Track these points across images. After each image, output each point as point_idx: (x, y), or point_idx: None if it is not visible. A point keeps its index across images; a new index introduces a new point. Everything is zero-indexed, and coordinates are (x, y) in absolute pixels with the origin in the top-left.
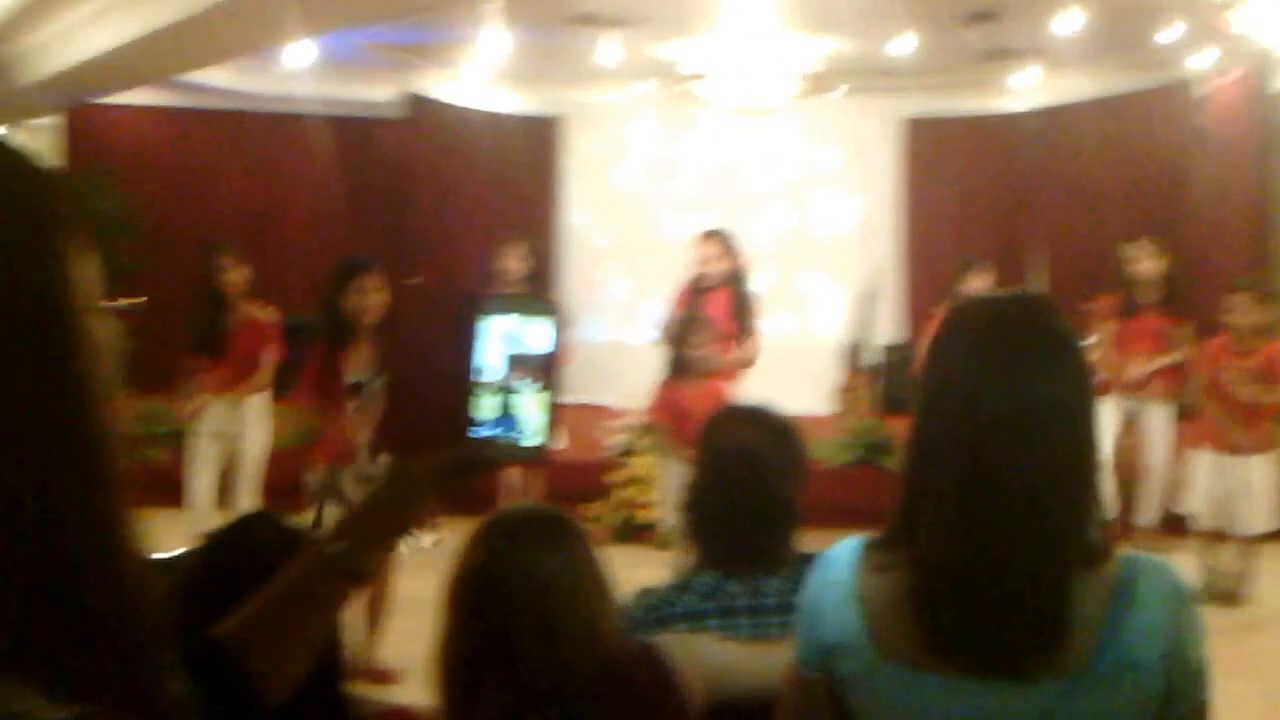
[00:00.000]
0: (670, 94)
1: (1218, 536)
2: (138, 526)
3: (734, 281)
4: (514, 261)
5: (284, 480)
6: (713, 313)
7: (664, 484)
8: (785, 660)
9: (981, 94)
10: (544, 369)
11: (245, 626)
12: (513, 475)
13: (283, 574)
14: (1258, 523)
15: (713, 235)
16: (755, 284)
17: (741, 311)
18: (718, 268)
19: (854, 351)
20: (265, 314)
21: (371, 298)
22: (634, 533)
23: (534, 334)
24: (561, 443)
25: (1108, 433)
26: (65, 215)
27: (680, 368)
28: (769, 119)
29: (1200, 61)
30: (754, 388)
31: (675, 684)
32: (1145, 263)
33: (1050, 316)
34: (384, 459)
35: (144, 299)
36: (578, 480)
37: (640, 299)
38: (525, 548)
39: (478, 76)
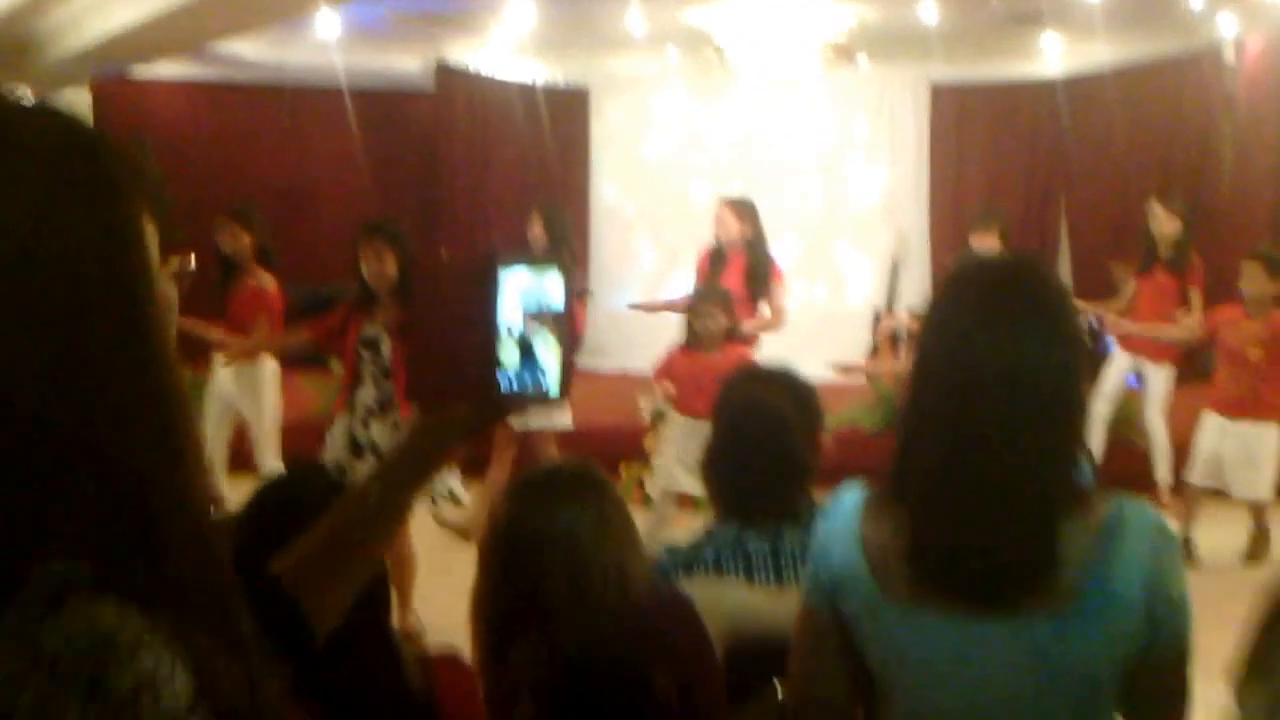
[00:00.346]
0: (698, 62)
1: (1209, 495)
2: (204, 479)
3: (750, 248)
4: (538, 229)
5: (312, 448)
6: (729, 279)
7: (660, 448)
8: (795, 603)
9: (1008, 60)
10: (556, 321)
11: (295, 565)
12: (549, 447)
13: (326, 516)
14: (1261, 489)
15: (729, 202)
16: (775, 251)
17: (756, 278)
18: (734, 234)
19: (881, 319)
20: (267, 282)
21: (374, 264)
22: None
23: (548, 289)
24: (568, 403)
25: (1110, 386)
26: (137, 183)
27: (694, 338)
28: (796, 87)
29: (1229, 28)
30: (783, 354)
31: (700, 629)
32: (1159, 222)
33: (1042, 279)
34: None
35: (193, 260)
36: (614, 445)
37: (670, 268)
38: (552, 505)
39: (505, 46)
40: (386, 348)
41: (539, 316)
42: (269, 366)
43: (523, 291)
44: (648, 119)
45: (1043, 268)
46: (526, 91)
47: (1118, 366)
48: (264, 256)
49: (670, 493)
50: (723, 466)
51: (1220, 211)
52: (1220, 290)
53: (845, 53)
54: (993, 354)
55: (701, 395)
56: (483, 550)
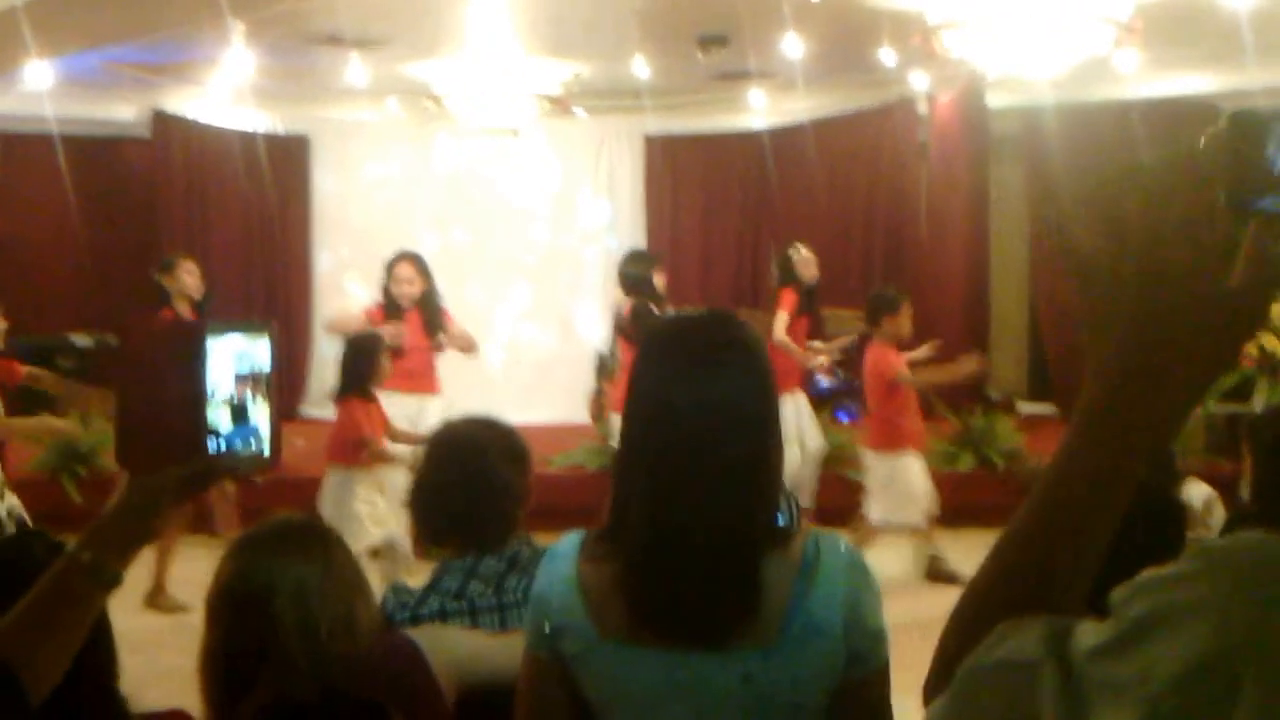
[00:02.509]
0: (418, 112)
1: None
2: None
3: (424, 303)
4: (190, 278)
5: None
6: (410, 331)
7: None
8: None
9: (718, 113)
10: (265, 383)
11: (7, 631)
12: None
13: (40, 582)
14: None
15: (406, 258)
16: (443, 301)
17: (433, 326)
18: (410, 290)
19: (604, 361)
20: None
21: None
22: None
23: (257, 351)
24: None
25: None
26: None
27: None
28: (516, 138)
29: (921, 81)
30: (514, 396)
31: (430, 674)
32: (807, 268)
33: (733, 328)
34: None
35: None
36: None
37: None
38: (278, 555)
39: (224, 95)
40: None
41: (251, 379)
42: None
43: (235, 354)
44: (370, 167)
45: (733, 320)
46: (246, 139)
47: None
48: None
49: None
50: (421, 497)
51: (919, 251)
52: (922, 327)
53: (562, 105)
54: (690, 401)
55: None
56: (210, 605)
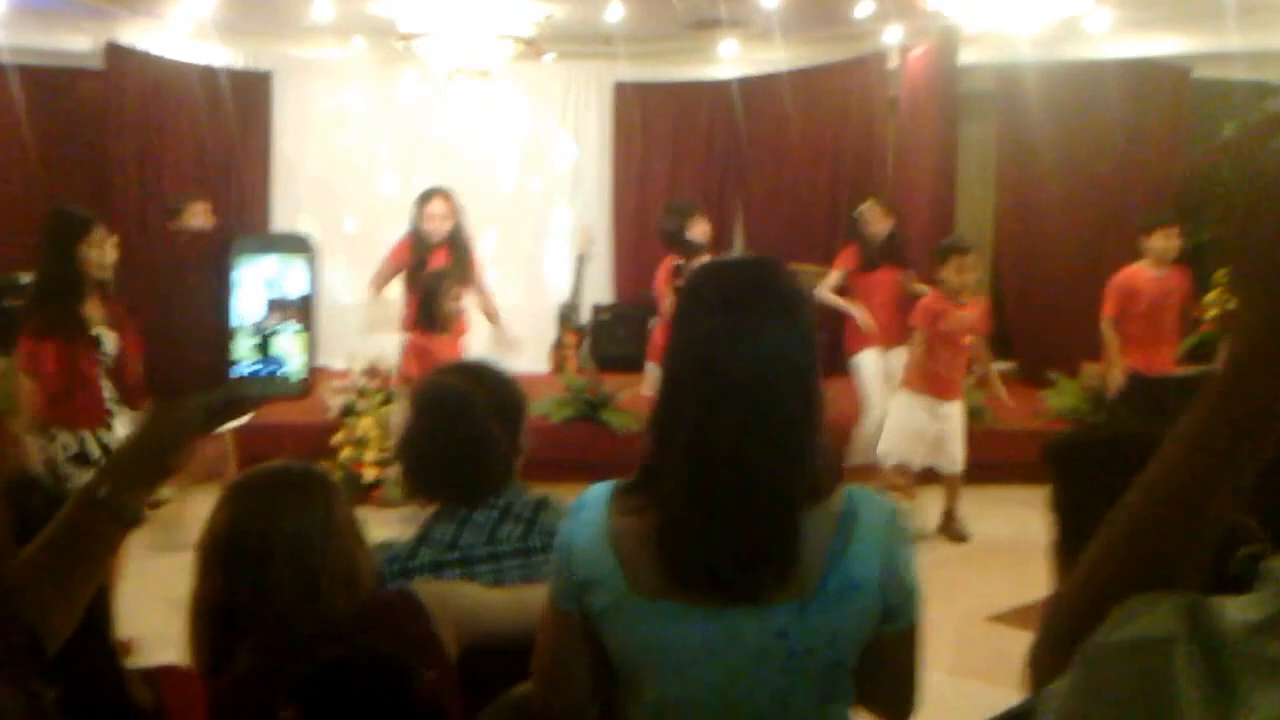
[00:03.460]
0: (384, 51)
1: (926, 476)
2: None
3: (454, 240)
4: (199, 218)
5: None
6: (434, 266)
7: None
8: (530, 601)
9: (689, 62)
10: (302, 310)
11: (19, 575)
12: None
13: (53, 523)
14: (960, 461)
15: (438, 193)
16: (476, 243)
17: (463, 264)
18: (442, 226)
19: (567, 311)
20: None
21: (103, 253)
22: (360, 492)
23: (292, 276)
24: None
25: (877, 380)
26: None
27: (431, 320)
28: (485, 81)
29: (893, 35)
30: (477, 347)
31: (433, 629)
32: (876, 223)
33: (781, 279)
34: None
35: None
36: (300, 441)
37: (354, 260)
38: (277, 504)
39: (183, 29)
40: (111, 343)
41: (280, 305)
42: None
43: (264, 279)
44: (332, 106)
45: (777, 268)
46: (205, 74)
47: (871, 364)
48: None
49: None
50: (412, 450)
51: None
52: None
53: (533, 48)
54: (735, 353)
55: None
56: (202, 552)
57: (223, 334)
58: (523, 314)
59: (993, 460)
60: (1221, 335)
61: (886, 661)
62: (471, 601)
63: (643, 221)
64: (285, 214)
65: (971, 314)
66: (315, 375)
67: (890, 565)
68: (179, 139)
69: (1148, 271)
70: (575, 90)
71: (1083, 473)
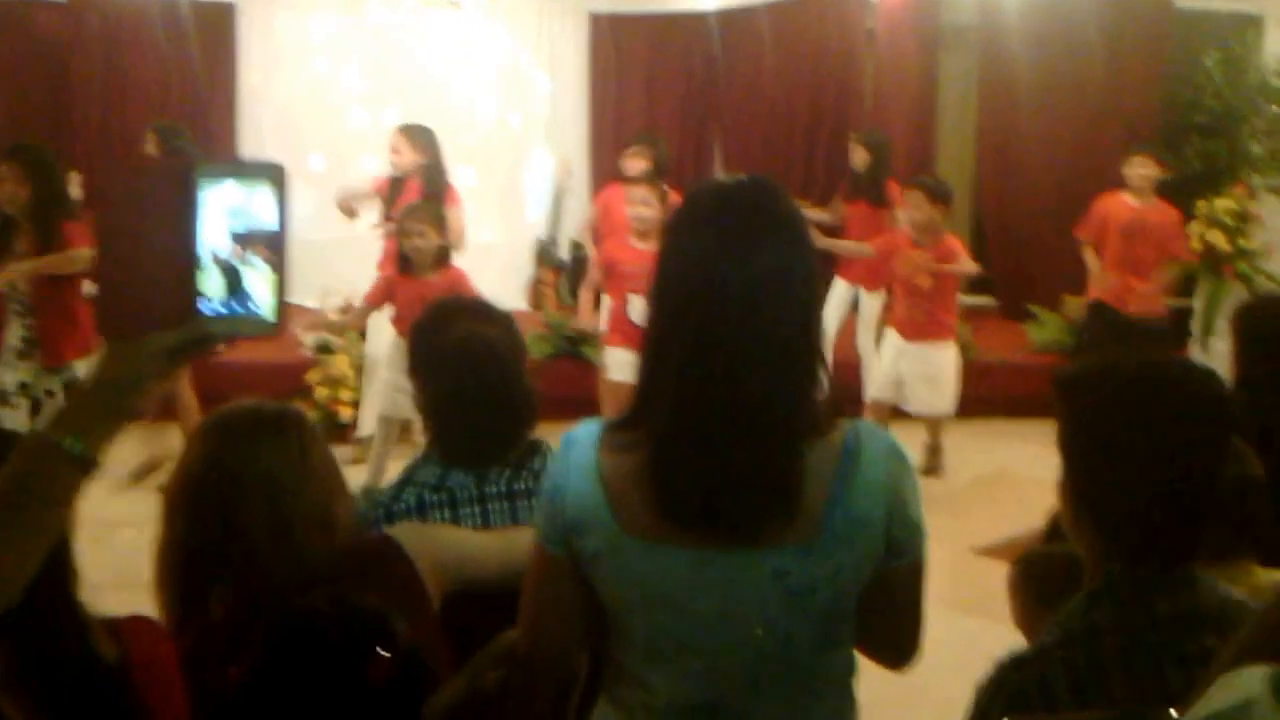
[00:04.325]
0: None
1: (892, 413)
2: None
3: (426, 174)
4: (151, 149)
5: None
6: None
7: (371, 385)
8: (517, 544)
9: None
10: (270, 243)
11: None
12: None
13: (5, 469)
14: (941, 405)
15: (403, 129)
16: (452, 177)
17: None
18: (408, 160)
19: (545, 247)
20: None
21: (9, 188)
22: (335, 432)
23: (259, 206)
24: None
25: (835, 313)
26: None
27: (405, 261)
28: (457, 10)
29: None
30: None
31: (415, 574)
32: (855, 155)
33: (777, 198)
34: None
35: None
36: (275, 379)
37: (324, 196)
38: (250, 443)
39: None
40: (25, 282)
41: (248, 238)
42: None
43: (229, 209)
44: (298, 38)
45: (777, 189)
46: (167, 5)
47: (839, 294)
48: None
49: (393, 419)
50: (453, 410)
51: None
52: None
53: None
54: (734, 273)
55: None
56: (171, 494)
57: (185, 269)
58: (500, 250)
59: (976, 394)
60: (1201, 269)
61: (890, 599)
62: (456, 545)
63: (619, 153)
64: (252, 149)
65: (926, 255)
66: (287, 311)
67: (895, 498)
68: (143, 72)
69: (1127, 200)
70: (549, 22)
71: (1097, 405)
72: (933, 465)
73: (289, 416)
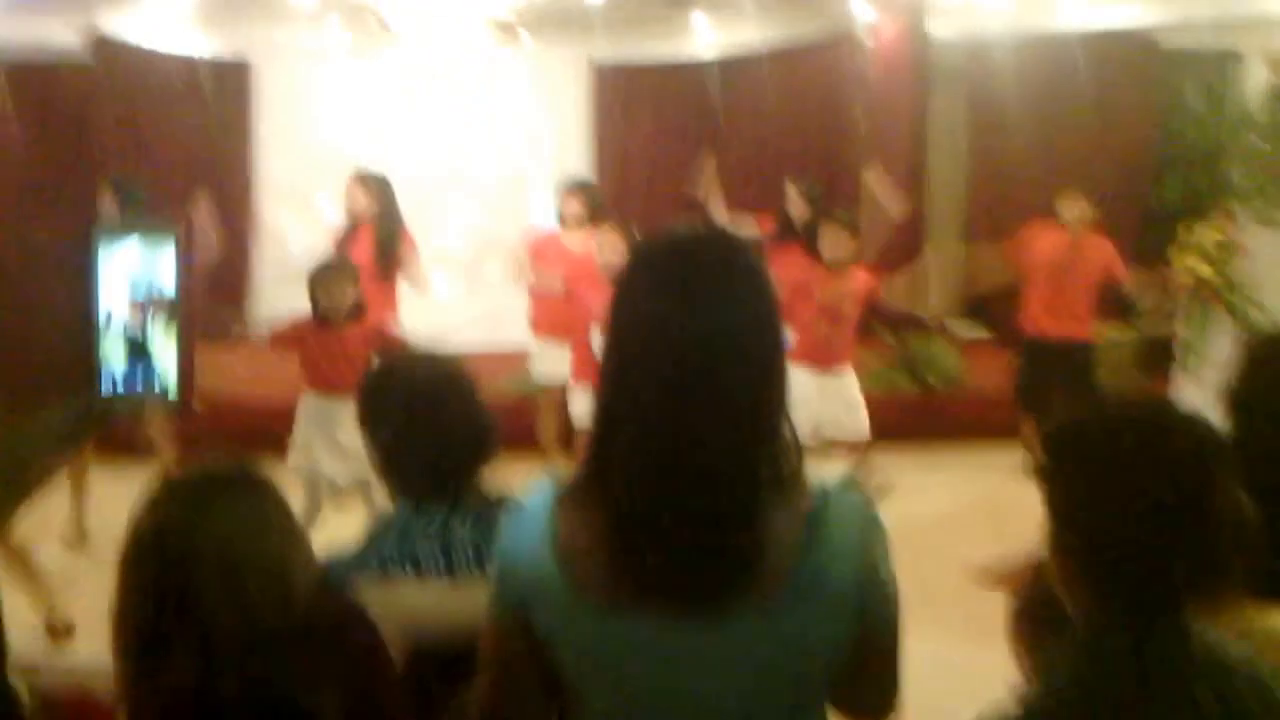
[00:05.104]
0: (362, 35)
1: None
2: None
3: (379, 222)
4: (107, 203)
5: None
6: (358, 254)
7: (303, 430)
8: (481, 599)
9: (664, 39)
10: (173, 308)
11: None
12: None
13: None
14: (860, 427)
15: (356, 177)
16: (405, 222)
17: (385, 251)
18: (361, 208)
19: None
20: None
21: None
22: None
23: (161, 266)
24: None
25: None
26: None
27: (321, 311)
28: (461, 63)
29: (865, 12)
30: (466, 325)
31: (378, 642)
32: (794, 205)
33: (734, 249)
34: None
35: None
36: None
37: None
38: (204, 503)
39: (163, 15)
40: None
41: (152, 303)
42: None
43: (131, 275)
44: (312, 92)
45: (733, 238)
46: (187, 66)
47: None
48: None
49: (314, 478)
50: (406, 448)
51: (856, 184)
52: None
53: (510, 30)
54: (694, 329)
55: (334, 370)
56: (124, 561)
57: (85, 336)
58: (508, 297)
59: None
60: (1188, 299)
61: (864, 661)
62: (421, 604)
63: (623, 204)
64: (269, 204)
65: (851, 284)
66: (189, 384)
67: (867, 567)
68: (162, 131)
69: (1056, 233)
70: (553, 71)
71: (1081, 460)
72: (881, 482)
73: (242, 479)
